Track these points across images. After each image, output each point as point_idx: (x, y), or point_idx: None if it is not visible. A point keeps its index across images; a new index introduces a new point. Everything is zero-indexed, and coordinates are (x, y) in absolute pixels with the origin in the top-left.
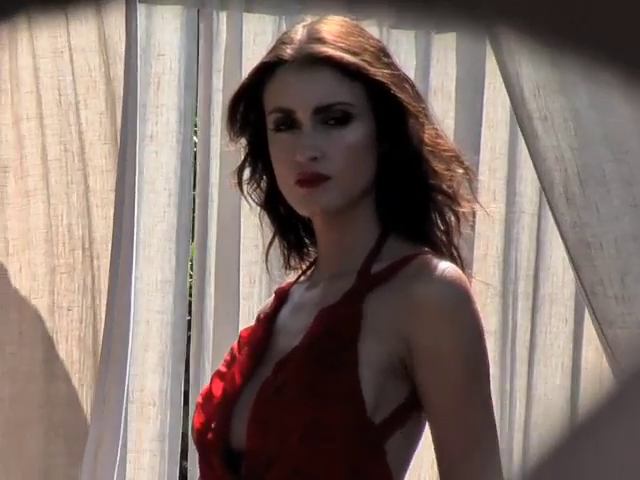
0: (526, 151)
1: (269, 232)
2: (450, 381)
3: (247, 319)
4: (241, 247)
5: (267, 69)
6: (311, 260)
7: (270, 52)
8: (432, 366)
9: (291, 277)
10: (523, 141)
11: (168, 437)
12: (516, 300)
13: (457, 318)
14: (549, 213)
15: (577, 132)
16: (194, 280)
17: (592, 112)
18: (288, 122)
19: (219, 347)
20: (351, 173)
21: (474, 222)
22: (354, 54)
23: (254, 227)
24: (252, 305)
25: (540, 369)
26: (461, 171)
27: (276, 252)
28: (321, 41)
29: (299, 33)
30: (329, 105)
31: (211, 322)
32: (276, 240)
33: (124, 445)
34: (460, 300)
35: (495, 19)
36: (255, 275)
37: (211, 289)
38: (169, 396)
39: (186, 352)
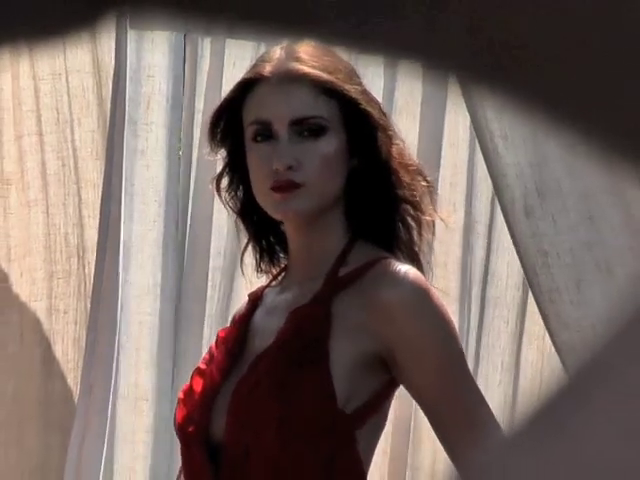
0: (482, 167)
1: (234, 239)
2: (432, 367)
3: (210, 320)
4: (210, 254)
5: (247, 85)
6: (282, 266)
7: (250, 70)
8: (413, 358)
9: (264, 280)
10: (480, 158)
11: (161, 429)
12: (470, 304)
13: (424, 312)
14: (498, 223)
15: (535, 150)
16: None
17: (551, 136)
18: (266, 133)
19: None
20: (323, 182)
21: (434, 230)
22: (329, 73)
23: (221, 236)
24: (212, 307)
25: (483, 366)
26: (424, 184)
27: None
28: (299, 60)
29: (277, 52)
30: (304, 118)
31: (184, 323)
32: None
33: (119, 436)
34: (423, 296)
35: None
36: (217, 280)
37: (186, 292)
38: (160, 391)
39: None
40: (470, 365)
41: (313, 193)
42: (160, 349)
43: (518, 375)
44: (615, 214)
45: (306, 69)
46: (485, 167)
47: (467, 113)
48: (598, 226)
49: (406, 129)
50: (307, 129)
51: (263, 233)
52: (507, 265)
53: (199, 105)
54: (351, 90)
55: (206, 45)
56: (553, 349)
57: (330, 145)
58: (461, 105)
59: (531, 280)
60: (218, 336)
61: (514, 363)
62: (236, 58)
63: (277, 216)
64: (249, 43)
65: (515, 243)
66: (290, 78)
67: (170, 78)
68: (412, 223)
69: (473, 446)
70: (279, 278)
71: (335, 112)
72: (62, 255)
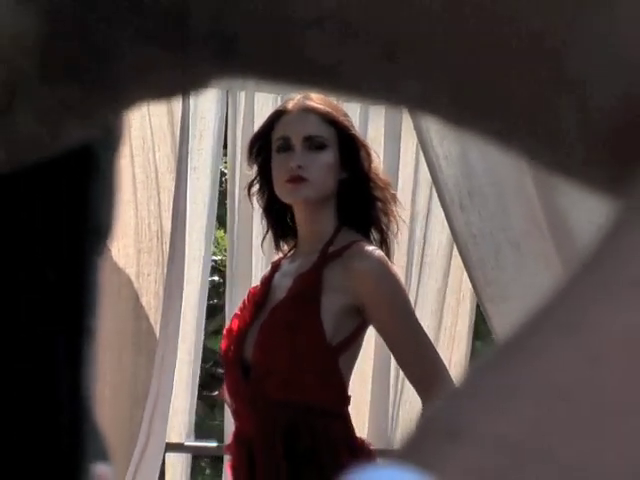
0: (422, 178)
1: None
2: (389, 313)
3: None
4: (253, 238)
5: (277, 115)
6: (292, 245)
7: (280, 106)
8: (377, 308)
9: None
10: (421, 172)
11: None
12: (412, 268)
13: (385, 278)
14: (433, 214)
15: (467, 166)
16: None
17: (476, 154)
18: (285, 146)
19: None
20: (322, 180)
21: (397, 220)
22: (330, 109)
23: (260, 225)
24: (256, 272)
25: (417, 311)
26: (392, 190)
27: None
28: (310, 99)
29: (297, 96)
30: (313, 136)
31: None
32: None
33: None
34: (384, 268)
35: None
36: (259, 254)
37: (231, 268)
38: (198, 327)
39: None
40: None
41: (315, 186)
42: (198, 300)
43: (441, 319)
44: (520, 208)
45: (315, 105)
46: (422, 177)
47: (414, 141)
48: (509, 216)
49: (375, 151)
50: (314, 144)
51: (280, 222)
52: (439, 243)
53: (238, 136)
54: (344, 121)
55: (241, 96)
56: (468, 300)
57: (328, 157)
58: (410, 135)
59: (464, 253)
60: (249, 292)
61: (439, 309)
62: (262, 104)
63: (290, 201)
64: (270, 95)
65: (452, 228)
66: (304, 110)
67: (217, 119)
68: (383, 214)
69: (419, 363)
70: (291, 253)
71: (333, 135)
72: (146, 237)
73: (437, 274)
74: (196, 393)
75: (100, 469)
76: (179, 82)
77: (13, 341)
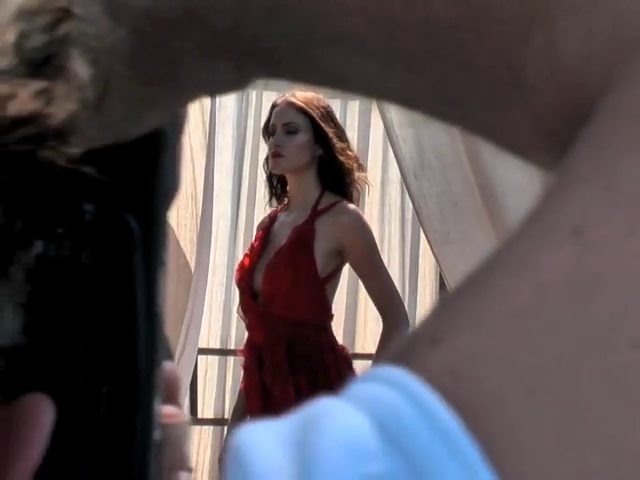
0: (391, 157)
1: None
2: (365, 258)
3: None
4: (256, 202)
5: (272, 108)
6: (285, 202)
7: (274, 101)
8: (354, 251)
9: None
10: (390, 151)
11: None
12: (391, 221)
13: (361, 231)
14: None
15: (420, 145)
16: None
17: (426, 135)
18: (273, 131)
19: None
20: (293, 155)
21: (366, 184)
22: (305, 104)
23: (260, 194)
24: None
25: (390, 261)
26: (359, 162)
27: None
28: (294, 97)
29: (287, 94)
30: (288, 123)
31: (242, 236)
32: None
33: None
34: (361, 222)
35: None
36: (260, 212)
37: (242, 219)
38: (223, 264)
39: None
40: (395, 253)
41: (289, 160)
42: (227, 246)
43: (416, 267)
44: (458, 176)
45: (294, 100)
46: (388, 156)
47: (382, 127)
48: (450, 183)
49: (351, 136)
50: (289, 129)
51: (279, 184)
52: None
53: (250, 123)
54: (315, 112)
55: (253, 93)
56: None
57: (299, 139)
58: (378, 121)
59: (418, 210)
60: (256, 236)
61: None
62: (268, 98)
63: (274, 171)
64: (274, 92)
65: (409, 191)
66: (286, 105)
67: (236, 109)
68: (354, 182)
69: (380, 293)
70: (284, 208)
71: (306, 122)
72: (183, 197)
73: (405, 226)
74: (228, 312)
75: (167, 365)
76: (226, 85)
77: (106, 269)
